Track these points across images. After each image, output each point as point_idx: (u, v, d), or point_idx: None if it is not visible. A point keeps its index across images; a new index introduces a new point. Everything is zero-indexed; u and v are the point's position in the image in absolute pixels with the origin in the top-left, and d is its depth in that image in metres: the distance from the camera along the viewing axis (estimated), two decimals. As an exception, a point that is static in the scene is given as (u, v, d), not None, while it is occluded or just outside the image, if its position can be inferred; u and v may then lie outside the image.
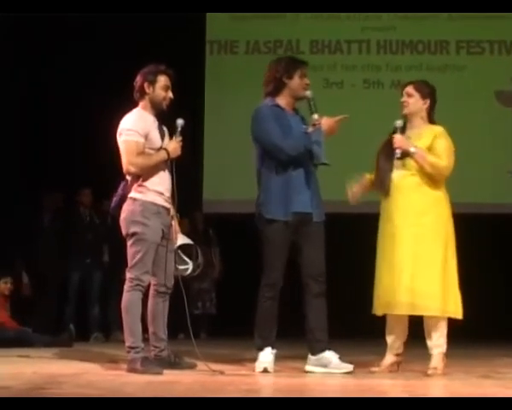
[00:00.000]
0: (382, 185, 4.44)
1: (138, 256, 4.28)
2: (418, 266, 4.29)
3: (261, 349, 4.39)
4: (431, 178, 4.38)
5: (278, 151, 4.37)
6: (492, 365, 4.90)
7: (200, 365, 4.39)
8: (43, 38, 8.48)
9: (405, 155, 4.39)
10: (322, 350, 4.37)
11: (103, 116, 8.19)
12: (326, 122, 4.42)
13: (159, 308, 4.50)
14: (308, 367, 4.41)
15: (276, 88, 4.51)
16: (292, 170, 4.41)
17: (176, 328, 7.32)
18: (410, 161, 4.39)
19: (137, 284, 4.28)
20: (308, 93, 4.47)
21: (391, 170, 4.44)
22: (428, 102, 4.55)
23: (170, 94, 4.45)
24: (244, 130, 8.75)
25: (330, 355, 4.36)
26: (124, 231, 4.34)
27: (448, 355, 4.46)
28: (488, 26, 8.82)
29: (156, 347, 4.49)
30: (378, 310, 4.47)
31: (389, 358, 4.49)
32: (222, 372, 4.18)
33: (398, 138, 4.41)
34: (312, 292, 4.40)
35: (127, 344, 4.27)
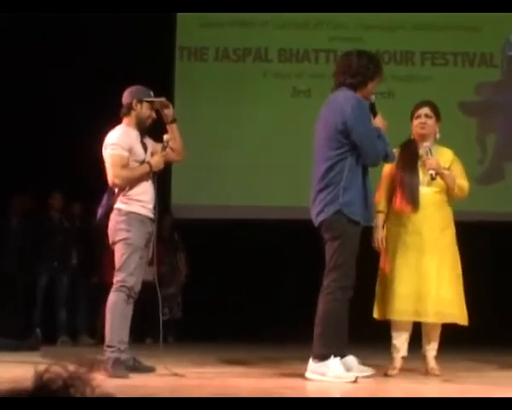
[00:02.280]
0: (413, 202, 4.59)
1: (123, 258, 4.47)
2: (443, 277, 4.57)
3: (327, 358, 4.07)
4: (449, 195, 4.71)
5: (374, 151, 4.21)
6: (454, 369, 4.99)
7: (161, 368, 4.44)
8: (12, 42, 8.46)
9: (436, 174, 4.62)
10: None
11: (76, 120, 8.25)
12: (383, 123, 4.37)
13: (126, 311, 4.55)
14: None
15: (361, 83, 4.30)
16: (367, 176, 4.31)
17: (143, 333, 7.38)
18: (437, 181, 4.62)
19: (122, 286, 4.46)
20: (373, 97, 4.41)
21: (418, 187, 4.63)
22: (439, 123, 4.80)
23: (153, 114, 4.68)
24: (213, 136, 8.93)
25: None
26: (110, 240, 4.54)
27: (410, 359, 4.61)
28: (452, 38, 8.99)
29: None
30: (395, 315, 4.57)
31: (398, 361, 4.62)
32: (182, 375, 4.26)
33: (433, 162, 4.62)
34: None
35: (105, 342, 4.44)
